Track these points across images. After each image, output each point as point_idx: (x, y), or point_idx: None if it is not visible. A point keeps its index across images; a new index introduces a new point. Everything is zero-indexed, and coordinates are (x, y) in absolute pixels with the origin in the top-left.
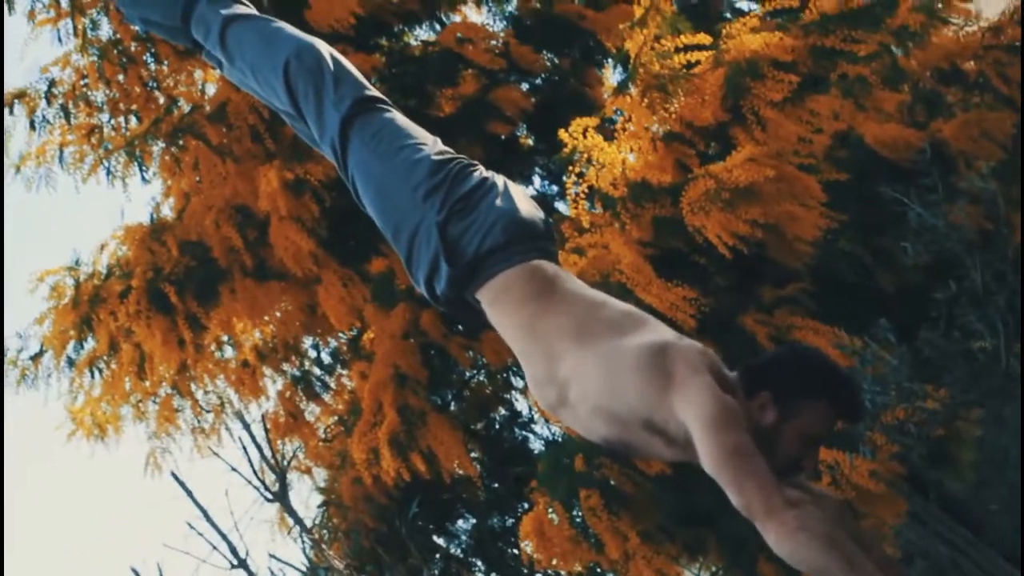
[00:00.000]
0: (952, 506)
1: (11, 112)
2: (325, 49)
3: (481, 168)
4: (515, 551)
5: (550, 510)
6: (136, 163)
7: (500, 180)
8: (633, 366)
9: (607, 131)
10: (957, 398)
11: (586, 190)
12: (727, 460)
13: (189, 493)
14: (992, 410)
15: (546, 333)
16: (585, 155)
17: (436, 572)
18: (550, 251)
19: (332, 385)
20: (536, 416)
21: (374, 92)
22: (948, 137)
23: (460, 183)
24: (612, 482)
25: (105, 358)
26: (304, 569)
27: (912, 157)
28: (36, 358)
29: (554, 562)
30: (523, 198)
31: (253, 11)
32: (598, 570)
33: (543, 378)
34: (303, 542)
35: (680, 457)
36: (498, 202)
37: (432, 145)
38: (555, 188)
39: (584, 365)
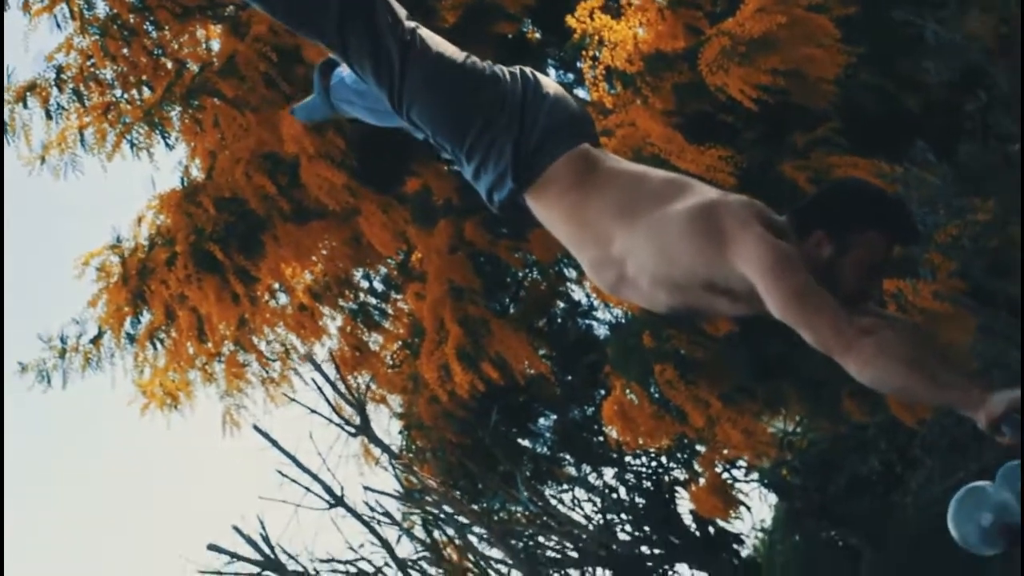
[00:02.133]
0: (1019, 310)
1: (25, 105)
2: None
3: (507, 69)
4: (600, 439)
5: (627, 391)
6: (157, 131)
7: (528, 73)
8: (683, 231)
9: (613, 9)
10: (1005, 205)
11: (603, 72)
12: (794, 302)
13: (274, 442)
14: None
15: (593, 215)
16: (595, 37)
17: (528, 473)
18: (591, 134)
19: (390, 312)
20: (596, 303)
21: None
22: None
23: (515, 92)
24: (683, 352)
25: (164, 328)
26: (399, 494)
27: None
28: (96, 340)
29: (641, 441)
30: (554, 86)
31: None
32: (685, 441)
33: (598, 260)
34: (393, 469)
35: (748, 311)
36: (538, 99)
37: (474, 57)
38: (571, 76)
39: (635, 238)
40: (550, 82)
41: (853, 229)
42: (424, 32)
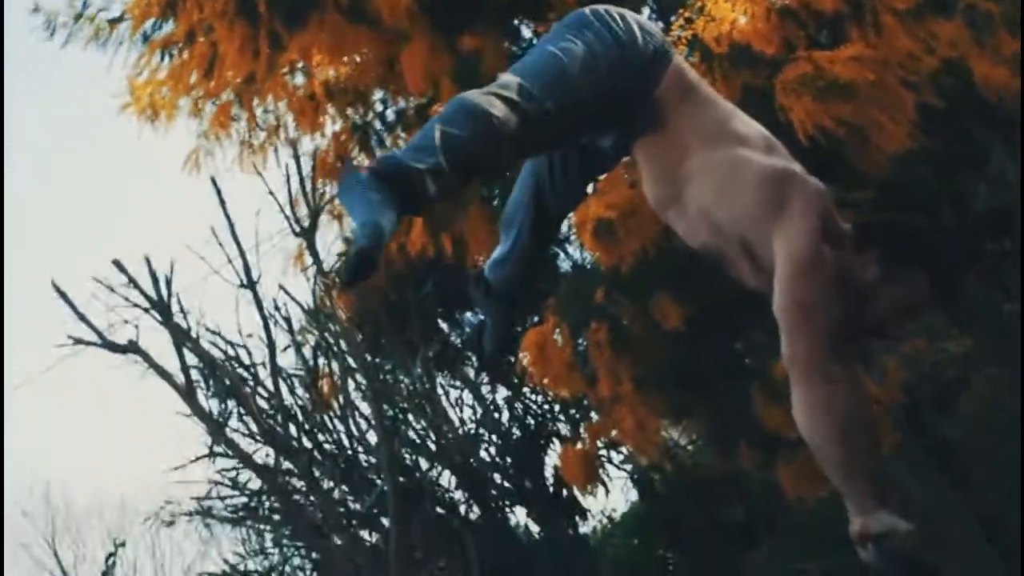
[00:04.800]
0: (940, 452)
1: None
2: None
3: (587, 20)
4: (511, 359)
5: (557, 331)
6: None
7: (604, 13)
8: (754, 181)
9: None
10: (979, 351)
11: (689, 37)
12: (794, 308)
13: (222, 201)
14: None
15: (681, 128)
16: (698, 3)
17: (431, 354)
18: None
19: (388, 144)
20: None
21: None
22: None
23: (611, 48)
24: (624, 322)
25: (179, 46)
26: (307, 308)
27: (1011, 106)
28: (114, 22)
29: (545, 381)
30: (621, 10)
31: None
32: (584, 402)
33: (662, 171)
34: (315, 284)
35: (762, 288)
36: (631, 37)
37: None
38: (660, 24)
39: (709, 164)
40: (617, 9)
41: (906, 264)
42: (519, 89)
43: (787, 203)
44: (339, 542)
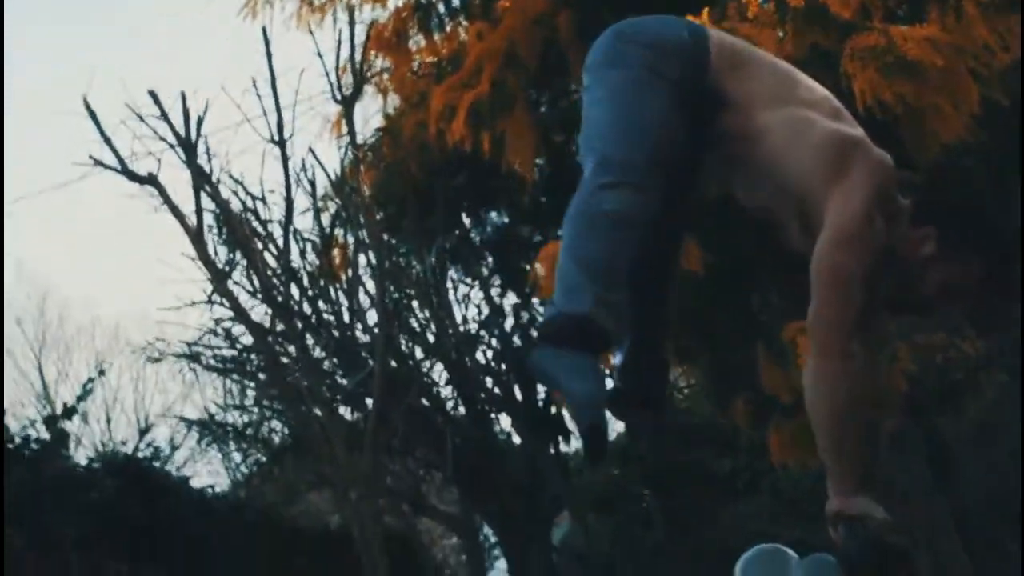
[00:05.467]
0: (932, 448)
1: None
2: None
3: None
4: (527, 268)
5: None
6: None
7: (628, 33)
8: (819, 142)
9: None
10: (993, 356)
11: None
12: (830, 276)
13: (269, 53)
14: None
15: (740, 93)
16: None
17: (447, 246)
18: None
19: (447, 28)
20: None
21: None
22: None
23: (646, 55)
24: None
25: None
26: (333, 176)
27: None
28: None
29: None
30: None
31: None
32: None
33: (726, 131)
34: (345, 153)
35: (804, 251)
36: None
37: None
38: None
39: (775, 123)
40: (629, 20)
41: (964, 248)
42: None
43: (848, 169)
44: (319, 414)
